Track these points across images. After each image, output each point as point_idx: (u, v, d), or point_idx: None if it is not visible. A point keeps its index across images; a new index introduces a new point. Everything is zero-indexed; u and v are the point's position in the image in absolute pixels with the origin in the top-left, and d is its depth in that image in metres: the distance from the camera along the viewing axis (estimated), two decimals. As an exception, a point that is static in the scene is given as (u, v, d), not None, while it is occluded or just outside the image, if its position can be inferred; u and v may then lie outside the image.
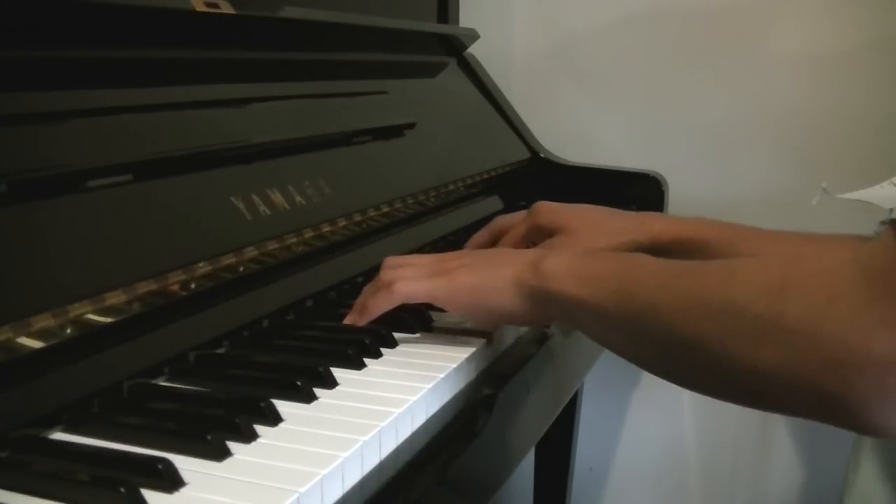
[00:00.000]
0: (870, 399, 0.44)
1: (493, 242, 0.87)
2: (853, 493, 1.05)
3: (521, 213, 0.86)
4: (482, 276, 0.65)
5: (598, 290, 0.59)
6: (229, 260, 0.65)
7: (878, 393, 0.44)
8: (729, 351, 0.50)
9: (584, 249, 0.67)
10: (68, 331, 0.51)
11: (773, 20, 1.29)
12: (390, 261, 0.70)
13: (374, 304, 0.67)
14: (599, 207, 0.87)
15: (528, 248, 0.84)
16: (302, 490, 0.44)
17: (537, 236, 0.84)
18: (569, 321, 0.64)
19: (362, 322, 0.67)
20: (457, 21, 1.31)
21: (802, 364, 0.46)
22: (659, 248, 0.80)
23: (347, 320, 0.68)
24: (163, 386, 0.58)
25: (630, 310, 0.57)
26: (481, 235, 0.89)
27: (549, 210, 0.85)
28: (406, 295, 0.66)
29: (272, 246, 0.70)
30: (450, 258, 0.68)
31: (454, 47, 1.26)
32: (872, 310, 0.44)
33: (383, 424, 0.51)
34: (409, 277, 0.66)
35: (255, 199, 0.71)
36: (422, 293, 0.66)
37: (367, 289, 0.69)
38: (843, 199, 0.96)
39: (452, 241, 0.96)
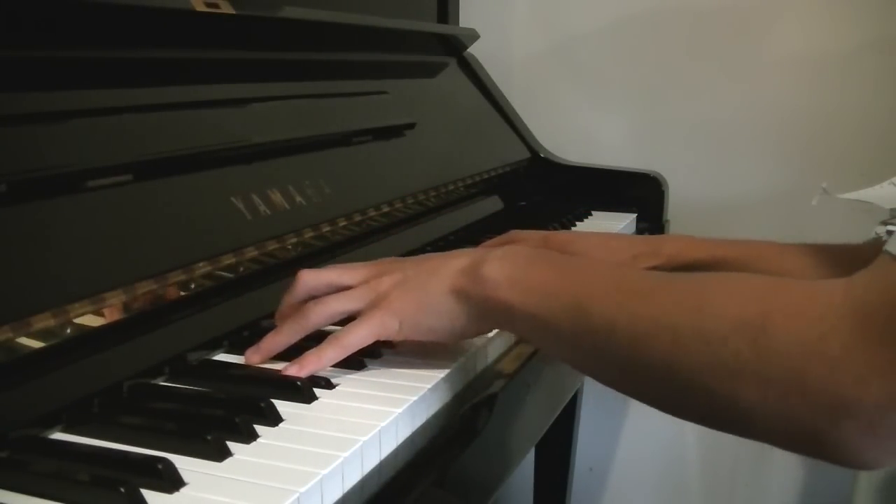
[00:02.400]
0: (859, 441, 0.43)
1: None
2: (856, 493, 1.05)
3: (537, 234, 0.81)
4: (417, 295, 0.58)
5: (548, 302, 0.54)
6: (229, 260, 0.65)
7: (869, 436, 0.42)
8: (704, 383, 0.46)
9: (527, 250, 0.59)
10: (68, 331, 0.51)
11: (773, 20, 1.29)
12: (304, 284, 0.61)
13: (319, 360, 0.57)
14: (615, 234, 0.84)
15: None
16: (302, 490, 0.44)
17: None
18: (516, 333, 0.60)
19: (304, 375, 0.57)
20: (457, 21, 1.31)
21: (788, 404, 0.43)
22: (677, 270, 0.77)
23: (288, 371, 0.57)
24: (163, 386, 0.58)
25: (586, 328, 0.52)
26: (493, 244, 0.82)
27: (564, 240, 0.81)
28: (354, 346, 0.58)
29: (272, 246, 0.70)
30: (376, 274, 0.61)
31: (454, 47, 1.26)
32: (864, 351, 0.41)
33: (383, 424, 0.51)
34: (350, 327, 0.58)
35: (255, 199, 0.71)
36: (369, 339, 0.58)
37: (289, 325, 0.59)
38: (843, 199, 0.96)
39: (452, 242, 0.96)
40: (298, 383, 0.55)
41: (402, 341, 0.61)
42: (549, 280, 0.55)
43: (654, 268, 0.78)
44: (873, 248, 0.75)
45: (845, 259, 0.74)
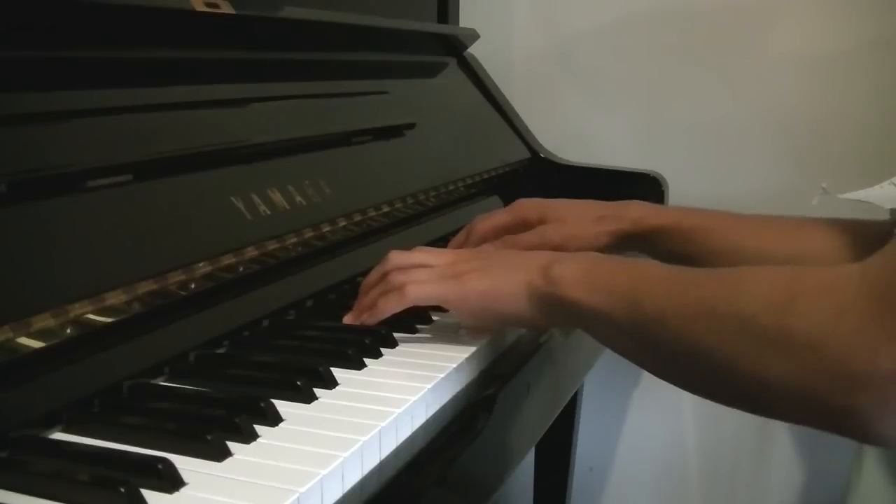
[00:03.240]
0: (875, 412, 0.45)
1: (478, 245, 0.86)
2: (857, 493, 1.05)
3: (501, 212, 0.87)
4: (494, 281, 0.65)
5: (609, 297, 0.59)
6: (229, 260, 0.65)
7: (884, 406, 0.44)
8: (735, 362, 0.50)
9: (594, 255, 0.65)
10: (68, 331, 0.51)
11: (773, 20, 1.29)
12: (397, 257, 0.69)
13: (384, 305, 0.66)
14: (582, 200, 0.89)
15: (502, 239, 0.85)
16: (302, 490, 0.44)
17: (522, 230, 0.84)
18: (579, 326, 0.64)
19: (372, 322, 0.66)
20: (457, 21, 1.31)
21: (808, 376, 0.46)
22: (641, 234, 0.83)
23: (352, 320, 0.68)
24: (163, 386, 0.58)
25: (638, 318, 0.57)
26: (463, 241, 0.87)
27: (534, 204, 0.86)
28: (417, 299, 0.66)
29: (272, 246, 0.70)
30: (462, 259, 0.68)
31: (454, 47, 1.26)
32: (879, 324, 0.44)
33: (383, 424, 0.51)
34: (421, 281, 0.66)
35: (255, 199, 0.71)
36: (434, 297, 0.66)
37: (374, 289, 0.68)
38: (843, 199, 0.96)
39: (452, 241, 0.96)
40: (298, 383, 0.55)
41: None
42: (611, 278, 0.60)
43: (620, 230, 0.83)
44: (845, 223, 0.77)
45: (811, 230, 0.78)
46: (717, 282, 0.55)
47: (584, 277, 0.61)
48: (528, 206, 0.86)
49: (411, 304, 0.66)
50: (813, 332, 0.46)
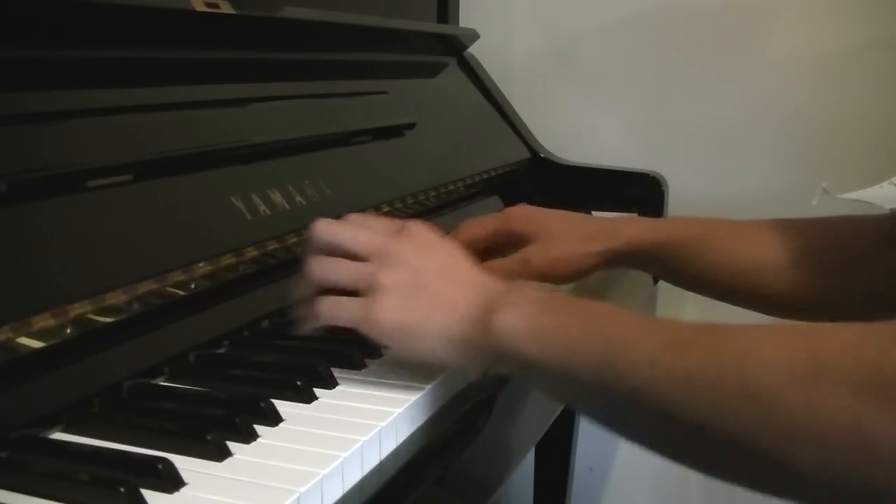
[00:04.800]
0: None
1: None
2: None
3: (489, 217, 0.83)
4: (412, 316, 0.55)
5: (571, 355, 0.50)
6: (229, 260, 0.65)
7: None
8: (753, 445, 0.42)
9: (541, 295, 0.55)
10: (68, 331, 0.51)
11: (773, 20, 1.29)
12: (318, 237, 0.61)
13: (301, 321, 0.61)
14: (575, 214, 0.84)
15: (491, 254, 0.81)
16: (302, 490, 0.44)
17: (505, 242, 0.81)
18: (533, 385, 0.56)
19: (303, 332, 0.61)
20: (457, 21, 1.31)
21: (851, 466, 0.39)
22: (635, 254, 0.79)
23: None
24: (163, 386, 0.58)
25: (614, 385, 0.47)
26: None
27: (524, 216, 0.81)
28: (328, 321, 0.59)
29: (272, 246, 0.70)
30: (385, 254, 0.58)
31: (454, 47, 1.26)
32: None
33: (383, 424, 0.51)
34: (335, 303, 0.58)
35: (255, 199, 0.71)
36: (346, 321, 0.58)
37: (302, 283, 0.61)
38: (843, 199, 0.96)
39: (452, 241, 0.96)
40: (298, 383, 0.55)
41: None
42: (571, 329, 0.51)
43: (610, 249, 0.79)
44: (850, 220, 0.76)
45: (812, 234, 0.75)
46: (717, 345, 0.45)
47: (532, 327, 0.52)
48: (517, 218, 0.81)
49: (325, 325, 0.59)
50: (852, 408, 0.38)
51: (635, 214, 1.18)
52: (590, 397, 0.51)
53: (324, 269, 0.59)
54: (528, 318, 0.52)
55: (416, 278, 0.57)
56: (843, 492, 0.40)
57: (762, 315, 0.83)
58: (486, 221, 0.82)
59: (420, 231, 0.61)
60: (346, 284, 0.58)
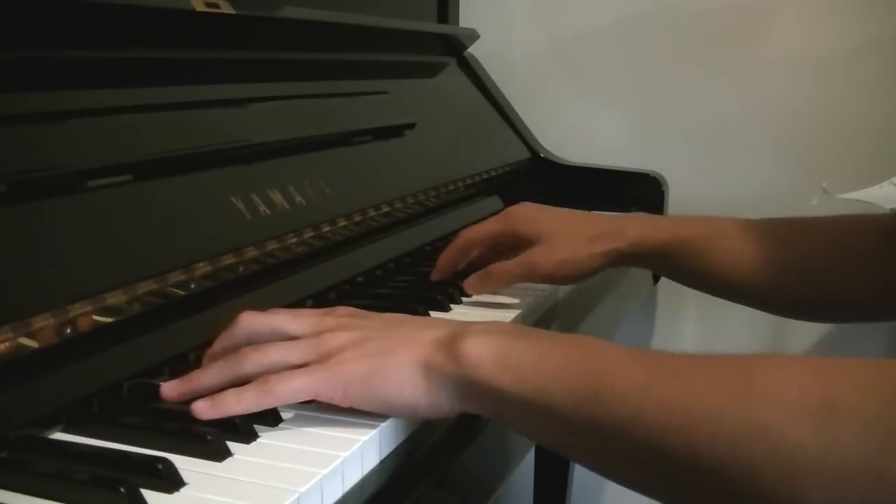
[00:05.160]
0: None
1: (464, 258, 0.81)
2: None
3: (491, 220, 0.82)
4: (375, 362, 0.50)
5: (550, 386, 0.45)
6: (229, 260, 0.65)
7: None
8: (757, 480, 0.39)
9: (517, 327, 0.51)
10: (68, 331, 0.51)
11: (773, 20, 1.29)
12: (249, 322, 0.54)
13: (235, 404, 0.49)
14: (579, 212, 0.83)
15: (496, 255, 0.81)
16: (302, 490, 0.44)
17: (510, 243, 0.80)
18: (503, 421, 0.50)
19: (210, 416, 0.49)
20: (457, 21, 1.31)
21: (867, 499, 0.37)
22: (640, 253, 0.79)
23: (197, 406, 0.50)
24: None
25: (600, 417, 0.44)
26: (450, 253, 0.81)
27: (527, 217, 0.80)
28: (283, 400, 0.50)
29: (272, 246, 0.70)
30: (329, 329, 0.53)
31: (454, 47, 1.26)
32: None
33: (384, 424, 0.51)
34: (285, 373, 0.50)
35: (255, 199, 0.71)
36: (303, 394, 0.50)
37: (220, 366, 0.52)
38: (843, 199, 0.96)
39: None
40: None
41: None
42: (549, 357, 0.47)
43: (616, 250, 0.78)
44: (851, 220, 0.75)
45: (816, 234, 0.75)
46: (716, 375, 0.42)
47: (505, 355, 0.47)
48: (519, 218, 0.80)
49: (276, 405, 0.51)
50: (869, 445, 0.36)
51: (635, 214, 1.18)
52: (572, 433, 0.46)
53: (266, 352, 0.52)
54: (500, 345, 0.48)
55: (374, 332, 0.52)
56: None
57: (766, 314, 0.84)
58: (487, 224, 0.81)
59: (350, 308, 0.57)
60: (297, 360, 0.51)
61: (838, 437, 0.37)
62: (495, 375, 0.47)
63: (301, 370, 0.50)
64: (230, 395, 0.50)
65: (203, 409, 0.49)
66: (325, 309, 0.57)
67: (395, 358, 0.50)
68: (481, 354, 0.48)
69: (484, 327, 0.51)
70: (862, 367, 0.40)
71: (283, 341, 0.53)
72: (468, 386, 0.48)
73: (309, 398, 0.50)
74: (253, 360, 0.51)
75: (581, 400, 0.44)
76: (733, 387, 0.41)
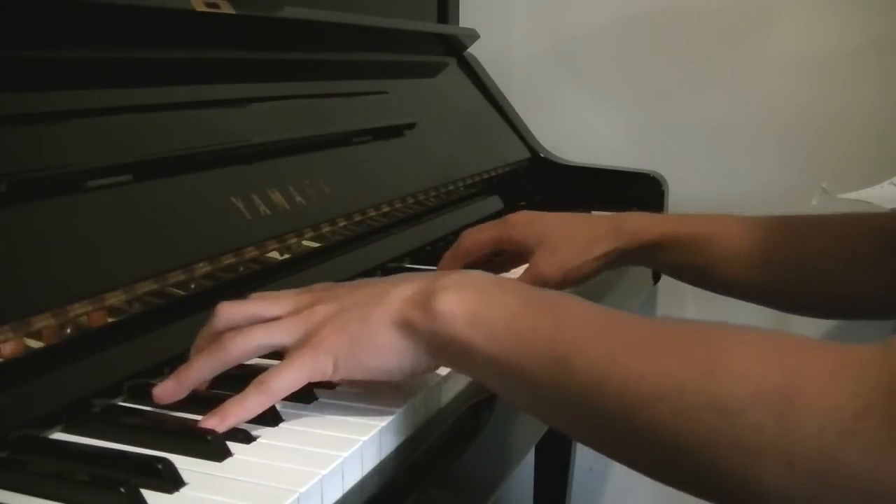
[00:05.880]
0: None
1: (464, 263, 0.80)
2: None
3: (490, 225, 0.81)
4: (353, 333, 0.50)
5: (519, 346, 0.46)
6: (229, 260, 0.65)
7: None
8: (717, 459, 0.40)
9: (488, 277, 0.51)
10: (68, 331, 0.51)
11: (773, 20, 1.29)
12: (227, 310, 0.53)
13: (242, 410, 0.49)
14: (576, 215, 0.83)
15: (492, 260, 0.80)
16: (302, 490, 0.44)
17: (509, 250, 0.80)
18: (476, 377, 0.51)
19: (224, 428, 0.49)
20: (457, 21, 1.31)
21: (817, 491, 0.38)
22: (639, 250, 0.79)
23: (206, 423, 0.49)
24: (163, 386, 0.57)
25: (563, 381, 0.44)
26: (450, 256, 0.80)
27: (525, 223, 0.79)
28: (284, 392, 0.50)
29: (272, 246, 0.70)
30: (305, 305, 0.52)
31: (454, 47, 1.26)
32: None
33: (384, 424, 0.51)
34: (275, 369, 0.50)
35: (255, 199, 0.71)
36: (298, 382, 0.50)
37: (201, 358, 0.51)
38: (843, 199, 0.97)
39: (452, 242, 0.96)
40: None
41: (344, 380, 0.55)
42: (521, 318, 0.47)
43: (616, 249, 0.78)
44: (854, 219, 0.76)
45: (819, 233, 0.75)
46: (683, 348, 0.43)
47: (476, 312, 0.48)
48: (519, 226, 0.79)
49: (275, 401, 0.51)
50: (824, 435, 0.37)
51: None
52: (539, 395, 0.47)
53: (248, 335, 0.51)
54: (470, 300, 0.48)
55: (348, 300, 0.52)
56: None
57: (767, 312, 0.84)
58: (486, 229, 0.81)
59: (326, 283, 0.57)
60: (281, 341, 0.52)
61: (795, 424, 0.38)
62: (466, 333, 0.48)
63: (288, 361, 0.50)
64: (232, 403, 0.49)
65: (215, 423, 0.49)
66: (302, 288, 0.56)
67: (371, 324, 0.50)
68: (453, 310, 0.48)
69: (457, 280, 0.50)
70: (828, 353, 0.40)
71: (264, 324, 0.52)
72: (442, 342, 0.49)
73: (304, 383, 0.51)
74: (238, 345, 0.51)
75: (549, 364, 0.45)
76: (698, 361, 0.41)
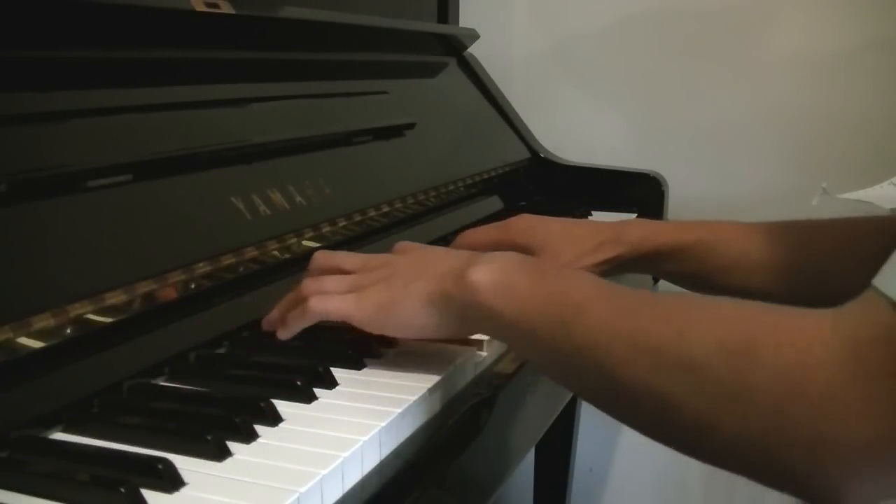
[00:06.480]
0: (841, 484, 0.41)
1: None
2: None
3: (490, 227, 0.82)
4: (394, 293, 0.59)
5: (530, 311, 0.53)
6: (229, 260, 0.65)
7: (852, 479, 0.41)
8: (682, 410, 0.45)
9: (517, 257, 0.58)
10: (68, 331, 0.51)
11: (773, 20, 1.29)
12: (319, 259, 0.66)
13: (292, 321, 0.62)
14: (578, 221, 0.83)
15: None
16: (302, 490, 0.44)
17: (509, 249, 0.81)
18: (499, 339, 0.60)
19: (285, 337, 0.62)
20: (457, 21, 1.31)
21: (769, 439, 0.42)
22: (641, 258, 0.79)
23: (268, 325, 0.64)
24: (163, 386, 0.58)
25: (565, 342, 0.51)
26: None
27: (526, 227, 0.80)
28: (319, 315, 0.61)
29: (272, 246, 0.70)
30: (373, 267, 0.63)
31: (454, 47, 1.26)
32: (851, 389, 0.39)
33: (384, 424, 0.51)
34: (325, 294, 0.61)
35: (255, 199, 0.71)
36: (334, 313, 0.60)
37: (288, 296, 0.64)
38: (843, 199, 0.97)
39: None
40: (298, 383, 0.55)
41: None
42: (534, 289, 0.54)
43: (618, 256, 0.79)
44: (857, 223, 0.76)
45: (821, 236, 0.75)
46: (660, 315, 0.48)
47: (503, 283, 0.55)
48: (520, 229, 0.80)
49: (314, 321, 0.61)
50: (773, 387, 0.41)
51: (634, 215, 1.18)
52: (545, 352, 0.54)
53: (318, 281, 0.63)
54: (497, 273, 0.56)
55: (396, 269, 0.61)
56: (763, 469, 0.44)
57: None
58: (486, 231, 0.81)
59: (406, 244, 0.67)
60: (341, 289, 0.61)
61: (751, 379, 0.42)
62: (490, 298, 0.55)
63: (337, 296, 0.61)
64: (288, 317, 0.62)
65: (279, 334, 0.62)
66: (382, 254, 0.66)
67: (410, 289, 0.59)
68: (482, 279, 0.55)
69: (491, 256, 0.58)
70: (786, 317, 0.44)
71: (332, 277, 0.63)
72: (469, 308, 0.56)
73: (340, 318, 0.60)
74: (309, 287, 0.62)
75: (555, 327, 0.51)
76: (673, 324, 0.46)
